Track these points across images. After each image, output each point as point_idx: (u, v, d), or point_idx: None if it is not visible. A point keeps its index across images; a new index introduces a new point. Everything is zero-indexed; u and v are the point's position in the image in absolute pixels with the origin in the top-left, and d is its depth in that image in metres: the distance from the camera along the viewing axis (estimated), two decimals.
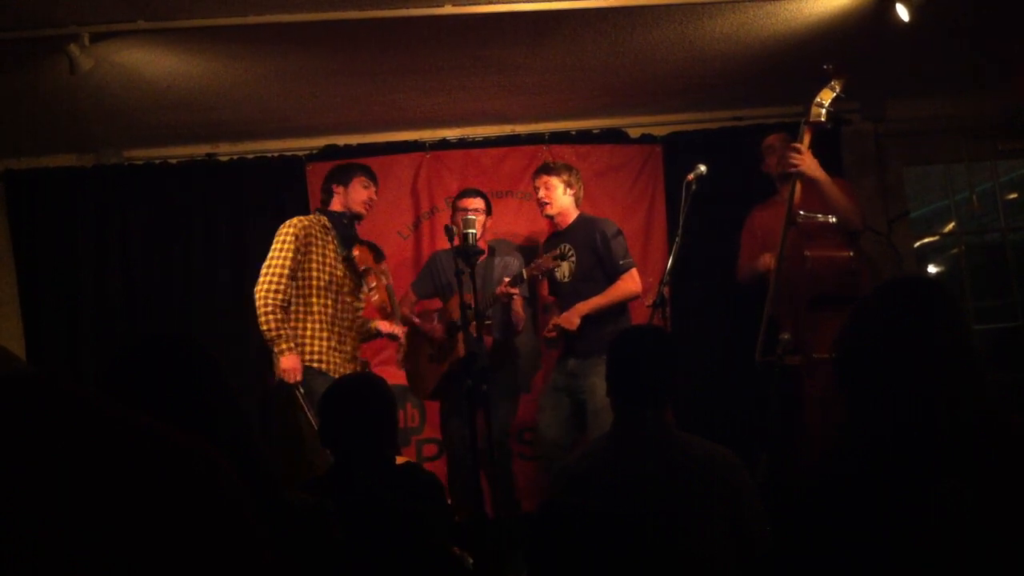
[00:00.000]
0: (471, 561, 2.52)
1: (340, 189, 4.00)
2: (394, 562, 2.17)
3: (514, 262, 4.38)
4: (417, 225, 4.96)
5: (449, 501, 2.83)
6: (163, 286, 4.80)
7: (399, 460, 2.55)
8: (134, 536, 0.66)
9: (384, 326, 4.08)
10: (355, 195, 3.99)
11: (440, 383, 4.22)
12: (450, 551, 2.41)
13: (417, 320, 4.32)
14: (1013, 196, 5.96)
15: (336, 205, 4.00)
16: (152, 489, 0.68)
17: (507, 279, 3.99)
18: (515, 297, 4.10)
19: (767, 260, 3.93)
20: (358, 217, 4.02)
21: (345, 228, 3.96)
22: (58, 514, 0.65)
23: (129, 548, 0.66)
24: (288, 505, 1.65)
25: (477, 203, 4.26)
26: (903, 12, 3.56)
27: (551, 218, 4.29)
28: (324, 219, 3.96)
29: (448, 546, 2.41)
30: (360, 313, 4.06)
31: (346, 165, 4.17)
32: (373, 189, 4.06)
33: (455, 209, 4.31)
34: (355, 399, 2.44)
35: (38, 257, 4.77)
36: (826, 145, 4.58)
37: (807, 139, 3.72)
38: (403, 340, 4.20)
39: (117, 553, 0.66)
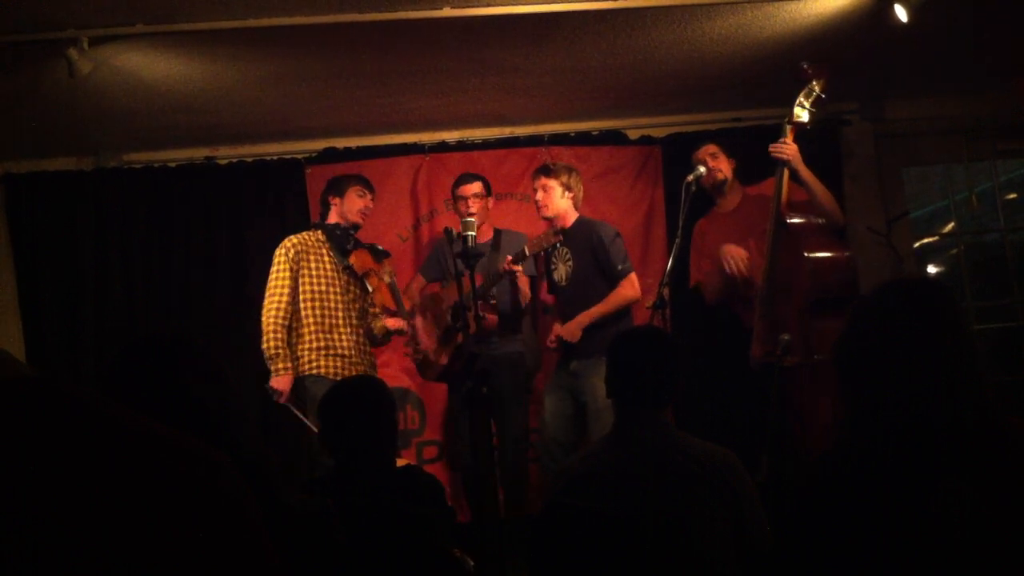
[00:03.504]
0: (472, 563, 2.51)
1: (336, 200, 4.15)
2: (395, 564, 2.17)
3: (522, 237, 4.40)
4: (417, 227, 4.96)
5: (449, 503, 2.83)
6: (163, 288, 4.80)
7: (399, 462, 2.55)
8: (136, 538, 0.66)
9: (391, 323, 4.22)
10: (350, 205, 4.12)
11: (445, 368, 4.25)
12: (451, 553, 2.41)
13: (415, 322, 4.37)
14: (1012, 196, 5.96)
15: (333, 217, 4.15)
16: (154, 491, 0.68)
17: (509, 256, 4.00)
18: (520, 276, 4.12)
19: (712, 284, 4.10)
20: (355, 227, 4.14)
21: (340, 239, 4.08)
22: (60, 516, 0.65)
23: (131, 551, 0.66)
24: (289, 507, 1.65)
25: (475, 188, 4.30)
26: (902, 13, 3.55)
27: (549, 220, 4.29)
28: (319, 233, 4.11)
29: (449, 548, 2.40)
30: (373, 318, 4.19)
31: (341, 177, 4.28)
32: (369, 198, 4.19)
33: (455, 198, 4.35)
34: (355, 402, 2.44)
35: (38, 260, 4.77)
36: (826, 145, 4.59)
37: (790, 137, 3.77)
38: (409, 332, 4.30)
39: (119, 556, 0.66)
